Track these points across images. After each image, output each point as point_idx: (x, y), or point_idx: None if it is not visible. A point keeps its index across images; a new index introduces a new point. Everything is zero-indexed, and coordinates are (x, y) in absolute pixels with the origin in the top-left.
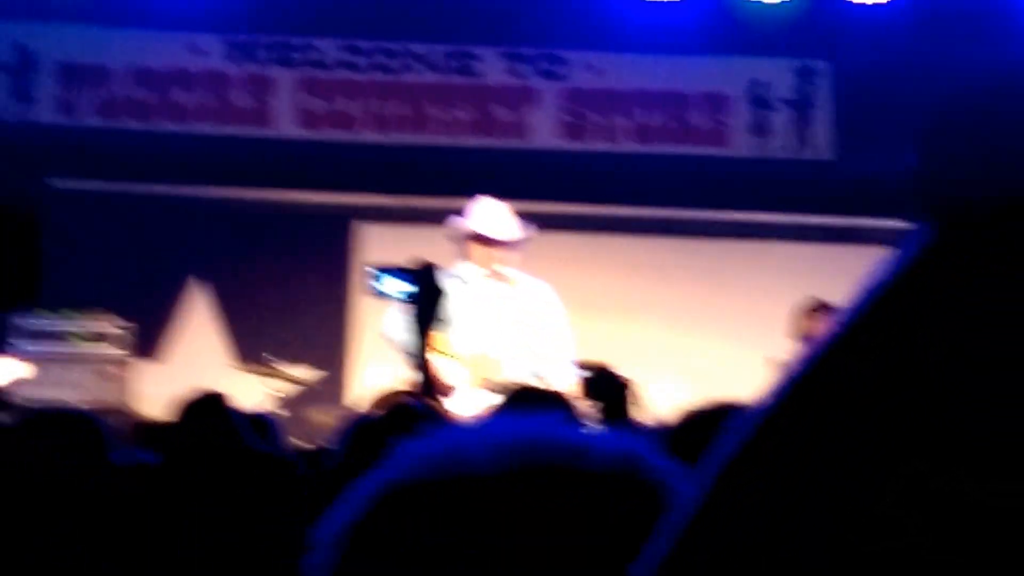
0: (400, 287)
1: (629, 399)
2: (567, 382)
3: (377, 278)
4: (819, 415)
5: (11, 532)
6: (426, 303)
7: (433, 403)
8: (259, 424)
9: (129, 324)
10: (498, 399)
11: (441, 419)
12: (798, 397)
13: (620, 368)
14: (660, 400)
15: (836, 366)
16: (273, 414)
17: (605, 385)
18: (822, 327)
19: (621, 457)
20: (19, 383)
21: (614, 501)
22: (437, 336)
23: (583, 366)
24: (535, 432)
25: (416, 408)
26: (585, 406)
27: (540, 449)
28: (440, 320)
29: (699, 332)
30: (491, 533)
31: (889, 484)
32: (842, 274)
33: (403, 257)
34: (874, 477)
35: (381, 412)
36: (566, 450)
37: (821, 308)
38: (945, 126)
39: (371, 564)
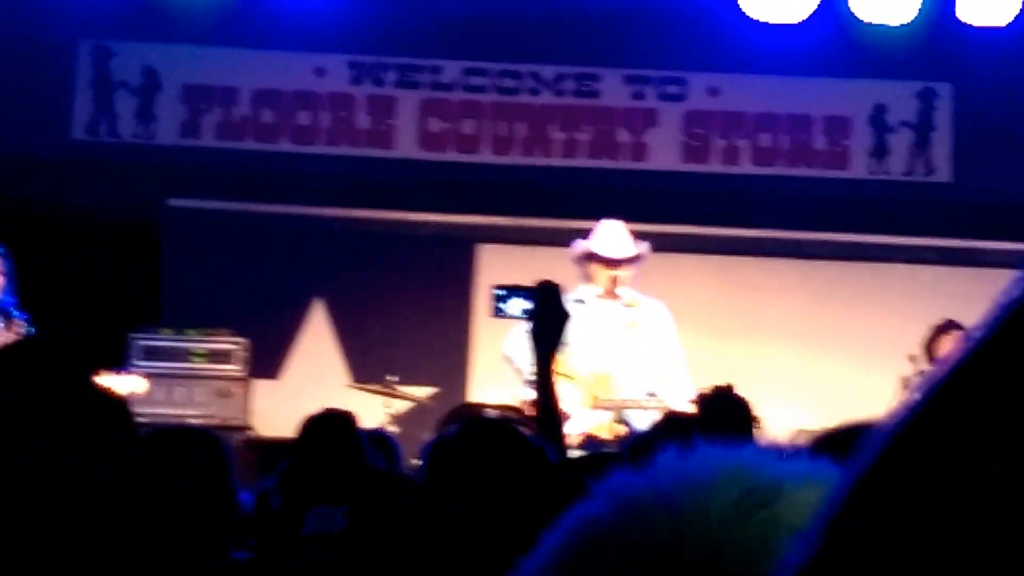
0: (525, 308)
1: (748, 419)
2: (682, 401)
3: (502, 298)
4: (948, 432)
5: (123, 549)
6: (550, 324)
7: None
8: (380, 443)
9: (249, 343)
10: (610, 417)
11: (521, 434)
12: (930, 412)
13: (739, 388)
14: (778, 421)
15: (966, 383)
16: (392, 434)
17: (724, 405)
18: (953, 347)
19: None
20: (137, 398)
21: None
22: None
23: (703, 387)
24: (742, 467)
25: (489, 422)
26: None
27: (753, 486)
28: (562, 341)
29: (817, 353)
30: None
31: (969, 485)
32: (961, 296)
33: (522, 278)
34: (955, 476)
35: (453, 426)
36: (778, 486)
37: (953, 328)
38: None
39: None
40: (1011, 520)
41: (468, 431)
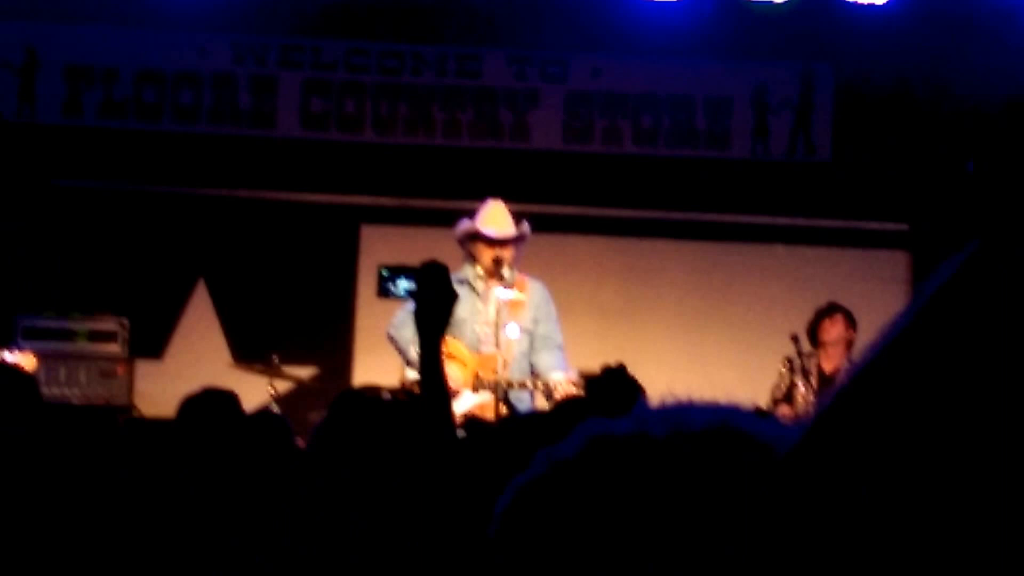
0: (411, 288)
1: (633, 398)
2: (563, 379)
3: (388, 279)
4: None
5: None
6: (437, 305)
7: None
8: (269, 423)
9: (133, 323)
10: (489, 397)
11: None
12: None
13: (622, 368)
14: (664, 400)
15: (885, 367)
16: (279, 413)
17: (609, 384)
18: (837, 330)
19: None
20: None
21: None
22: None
23: (587, 367)
24: (716, 413)
25: (368, 402)
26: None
27: (726, 426)
28: (448, 322)
29: (701, 333)
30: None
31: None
32: (842, 276)
33: (406, 258)
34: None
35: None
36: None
37: (835, 311)
38: (1005, 137)
39: (549, 529)
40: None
41: (351, 409)
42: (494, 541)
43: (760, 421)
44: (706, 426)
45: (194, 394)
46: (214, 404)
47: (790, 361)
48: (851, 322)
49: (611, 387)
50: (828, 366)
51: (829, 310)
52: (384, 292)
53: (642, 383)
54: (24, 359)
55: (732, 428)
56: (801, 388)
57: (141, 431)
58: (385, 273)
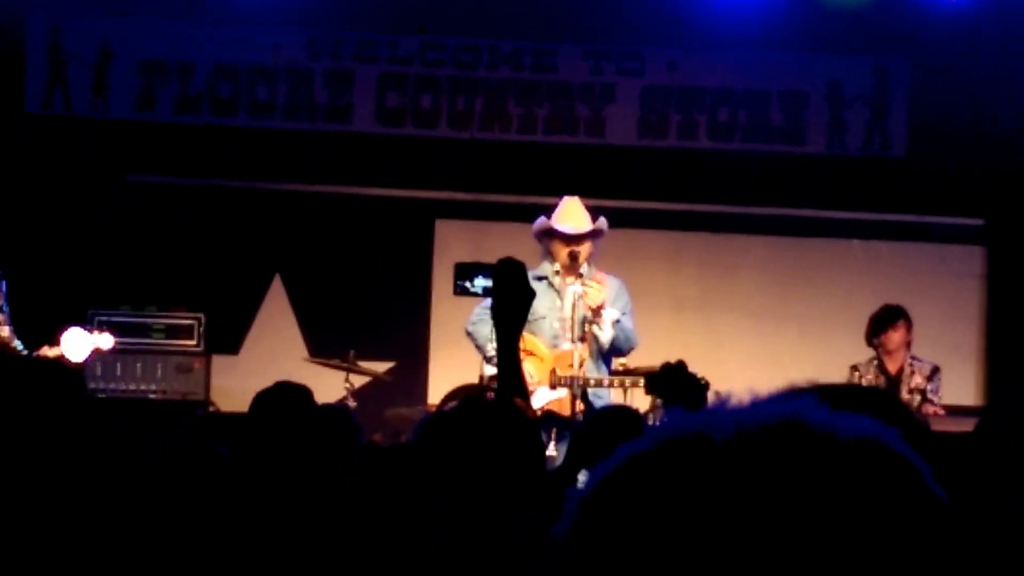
0: (487, 286)
1: (702, 397)
2: (636, 376)
3: (464, 276)
4: None
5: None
6: (514, 302)
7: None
8: (338, 418)
9: (209, 318)
10: (565, 393)
11: (517, 412)
12: None
13: (696, 365)
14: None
15: None
16: (352, 409)
17: (677, 382)
18: (899, 336)
19: (869, 431)
20: (102, 356)
21: (868, 465)
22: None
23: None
24: (782, 408)
25: (489, 401)
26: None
27: (790, 421)
28: (526, 319)
29: (776, 327)
30: (738, 491)
31: None
32: (918, 271)
33: (481, 253)
34: None
35: (454, 405)
36: (816, 422)
37: (896, 319)
38: None
39: (618, 522)
40: None
41: (467, 409)
42: (570, 532)
43: (824, 410)
44: (768, 421)
45: (267, 388)
46: (287, 398)
47: (857, 369)
48: (909, 323)
49: (672, 384)
50: (893, 367)
51: (891, 319)
52: (459, 289)
53: (717, 377)
54: (102, 339)
55: (795, 423)
56: (873, 382)
57: (215, 425)
58: (462, 269)
